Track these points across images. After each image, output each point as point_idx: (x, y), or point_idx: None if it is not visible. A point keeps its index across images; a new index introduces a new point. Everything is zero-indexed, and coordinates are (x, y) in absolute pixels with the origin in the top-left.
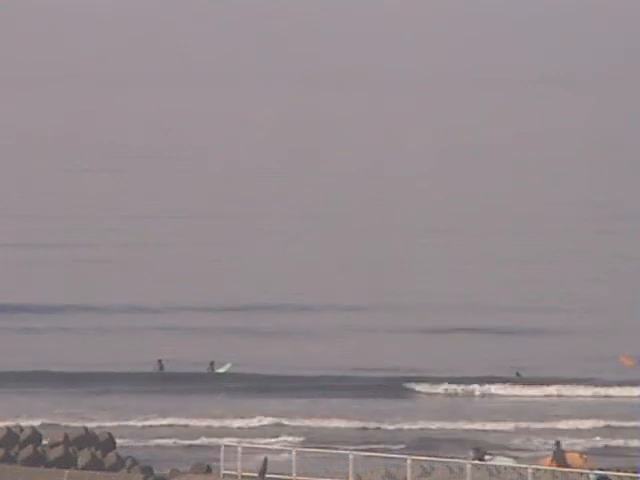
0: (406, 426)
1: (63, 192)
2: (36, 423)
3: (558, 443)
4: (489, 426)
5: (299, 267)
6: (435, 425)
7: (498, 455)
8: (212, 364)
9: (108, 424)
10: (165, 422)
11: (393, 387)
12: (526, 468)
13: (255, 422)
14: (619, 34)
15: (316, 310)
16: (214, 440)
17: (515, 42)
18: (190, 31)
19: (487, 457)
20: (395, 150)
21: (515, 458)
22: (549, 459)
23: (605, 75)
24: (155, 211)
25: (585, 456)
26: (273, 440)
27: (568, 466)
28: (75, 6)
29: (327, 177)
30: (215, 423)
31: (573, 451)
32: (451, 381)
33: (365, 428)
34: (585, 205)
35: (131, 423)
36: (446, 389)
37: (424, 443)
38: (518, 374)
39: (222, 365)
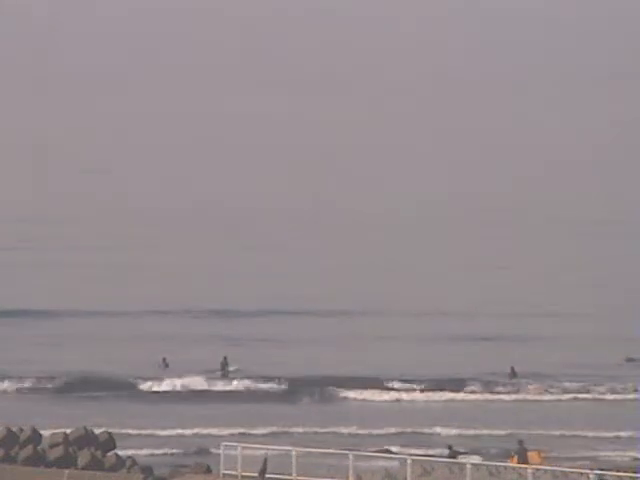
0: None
1: (67, 193)
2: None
3: (521, 442)
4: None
5: (298, 272)
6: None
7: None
8: (225, 359)
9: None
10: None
11: (325, 393)
12: (526, 468)
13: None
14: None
15: (316, 315)
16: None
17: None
18: (191, 31)
19: (460, 456)
20: (393, 151)
21: (482, 457)
22: (515, 458)
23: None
24: (150, 213)
25: (543, 453)
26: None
27: (529, 463)
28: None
29: (326, 179)
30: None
31: (531, 449)
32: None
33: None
34: (580, 209)
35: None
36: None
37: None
38: (513, 369)
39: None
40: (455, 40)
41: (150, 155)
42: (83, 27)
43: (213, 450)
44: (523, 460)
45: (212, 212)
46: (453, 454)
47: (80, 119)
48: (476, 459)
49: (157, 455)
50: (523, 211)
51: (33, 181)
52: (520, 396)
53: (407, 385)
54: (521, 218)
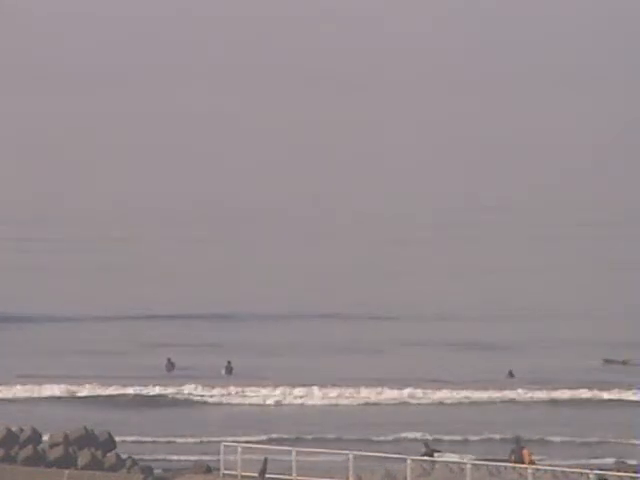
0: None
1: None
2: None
3: (518, 439)
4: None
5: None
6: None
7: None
8: (229, 363)
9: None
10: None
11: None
12: (526, 468)
13: None
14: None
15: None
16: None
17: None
18: (192, 29)
19: (436, 454)
20: (393, 151)
21: (460, 455)
22: (513, 456)
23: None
24: (150, 213)
25: (531, 452)
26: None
27: (524, 461)
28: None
29: (326, 180)
30: None
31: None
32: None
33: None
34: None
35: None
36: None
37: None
38: (510, 372)
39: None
40: (455, 40)
41: (150, 156)
42: (83, 27)
43: (213, 450)
44: (518, 457)
45: (212, 212)
46: (430, 452)
47: (80, 119)
48: (454, 457)
49: (158, 460)
50: (522, 212)
51: (32, 181)
52: (518, 398)
53: (404, 390)
54: (520, 219)
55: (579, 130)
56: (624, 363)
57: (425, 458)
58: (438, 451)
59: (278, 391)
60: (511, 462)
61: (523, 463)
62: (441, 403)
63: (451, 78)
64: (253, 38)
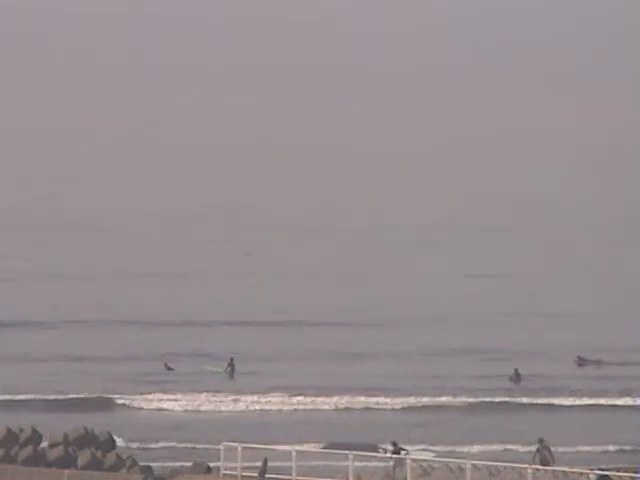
0: None
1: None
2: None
3: (542, 440)
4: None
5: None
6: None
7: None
8: (232, 360)
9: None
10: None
11: None
12: (526, 468)
13: None
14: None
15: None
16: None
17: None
18: (192, 30)
19: (403, 452)
20: (394, 152)
21: (434, 453)
22: (538, 456)
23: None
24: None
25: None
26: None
27: (548, 463)
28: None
29: (325, 182)
30: None
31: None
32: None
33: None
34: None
35: None
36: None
37: None
38: (516, 371)
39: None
40: (456, 41)
41: (149, 156)
42: (83, 26)
43: (213, 451)
44: (543, 458)
45: (212, 213)
46: (397, 450)
47: (79, 119)
48: (429, 455)
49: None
50: (522, 214)
51: (32, 183)
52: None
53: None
54: (519, 221)
55: (579, 131)
56: (597, 363)
57: (394, 456)
58: (404, 449)
59: (277, 397)
60: (536, 463)
61: (548, 464)
62: (444, 406)
63: (452, 79)
64: (252, 39)
